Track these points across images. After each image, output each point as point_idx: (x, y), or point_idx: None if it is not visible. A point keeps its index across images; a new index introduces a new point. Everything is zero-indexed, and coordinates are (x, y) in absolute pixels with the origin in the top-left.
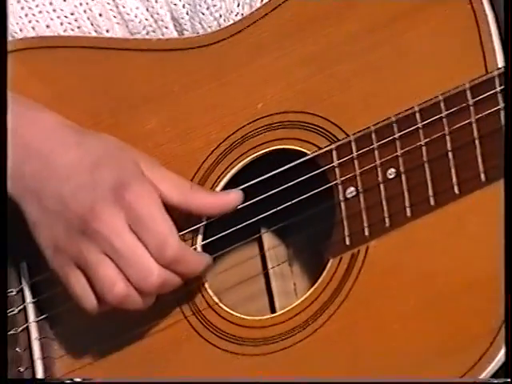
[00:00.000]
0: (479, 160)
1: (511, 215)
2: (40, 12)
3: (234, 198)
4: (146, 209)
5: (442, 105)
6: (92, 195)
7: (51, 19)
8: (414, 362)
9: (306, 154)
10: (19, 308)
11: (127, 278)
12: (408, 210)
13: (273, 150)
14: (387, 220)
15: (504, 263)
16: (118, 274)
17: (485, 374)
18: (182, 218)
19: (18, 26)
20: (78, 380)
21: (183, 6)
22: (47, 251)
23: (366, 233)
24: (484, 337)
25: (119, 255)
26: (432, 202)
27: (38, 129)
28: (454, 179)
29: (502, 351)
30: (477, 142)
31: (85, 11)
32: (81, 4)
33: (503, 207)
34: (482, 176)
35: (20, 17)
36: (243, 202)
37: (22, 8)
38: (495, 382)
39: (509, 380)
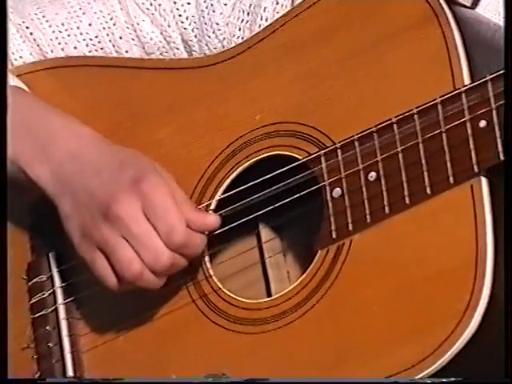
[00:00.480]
0: (448, 165)
1: (511, 214)
2: (69, 35)
3: (212, 219)
4: (160, 199)
5: (416, 117)
6: (116, 186)
7: (78, 41)
8: (390, 340)
9: (298, 159)
10: (49, 292)
11: (142, 259)
12: (387, 207)
13: (269, 155)
14: (368, 217)
15: (504, 263)
16: (134, 255)
17: (453, 350)
18: None
19: (50, 48)
20: (109, 379)
21: (192, 30)
22: (75, 239)
23: (350, 228)
24: (452, 318)
25: (135, 239)
26: (407, 201)
27: (73, 135)
28: (427, 181)
29: (468, 330)
30: (446, 149)
31: (107, 34)
32: (104, 28)
33: (472, 205)
34: (451, 179)
35: (51, 39)
36: (243, 199)
37: (53, 32)
38: (495, 382)
39: (509, 380)
